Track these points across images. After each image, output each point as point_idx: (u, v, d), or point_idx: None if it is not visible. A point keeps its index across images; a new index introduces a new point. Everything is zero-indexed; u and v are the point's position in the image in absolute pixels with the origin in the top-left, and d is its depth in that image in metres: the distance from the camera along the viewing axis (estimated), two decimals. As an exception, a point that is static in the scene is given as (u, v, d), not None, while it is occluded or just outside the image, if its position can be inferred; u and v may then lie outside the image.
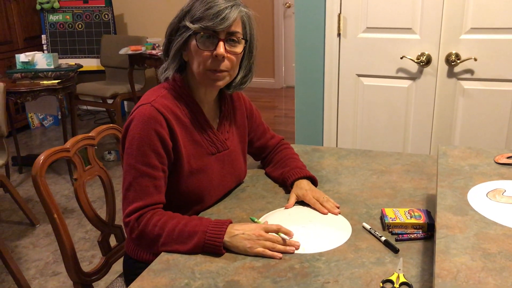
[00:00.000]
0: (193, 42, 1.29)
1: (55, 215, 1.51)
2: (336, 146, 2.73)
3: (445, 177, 1.18)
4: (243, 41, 1.33)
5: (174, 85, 1.37)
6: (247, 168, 1.66)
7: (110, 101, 4.75)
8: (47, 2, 4.79)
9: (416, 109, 2.50)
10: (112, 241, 1.68)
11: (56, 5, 4.84)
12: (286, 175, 1.52)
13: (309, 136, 2.81)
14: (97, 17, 4.92)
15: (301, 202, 1.43)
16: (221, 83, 1.33)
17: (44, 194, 1.48)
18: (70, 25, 4.92)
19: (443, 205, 1.03)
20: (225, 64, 1.30)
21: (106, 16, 4.92)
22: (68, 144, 1.59)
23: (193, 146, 1.36)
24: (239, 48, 1.32)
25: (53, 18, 4.89)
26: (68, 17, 4.90)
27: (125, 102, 5.51)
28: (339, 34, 2.56)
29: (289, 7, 6.26)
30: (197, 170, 1.37)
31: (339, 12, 2.52)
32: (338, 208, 1.39)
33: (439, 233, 0.93)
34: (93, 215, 1.65)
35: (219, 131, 1.45)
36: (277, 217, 1.34)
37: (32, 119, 5.07)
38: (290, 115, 5.43)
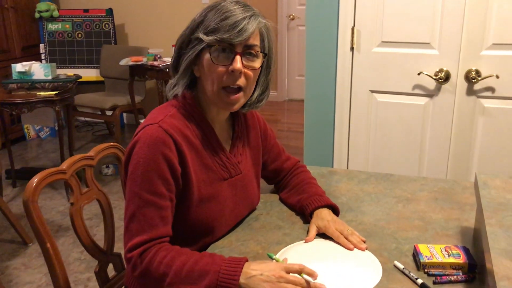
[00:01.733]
0: (207, 56, 1.16)
1: (48, 245, 1.36)
2: (347, 165, 2.59)
3: (491, 213, 1.04)
4: (261, 55, 1.20)
5: (183, 103, 1.23)
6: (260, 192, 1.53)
7: (109, 113, 4.62)
8: (46, 11, 4.66)
9: (433, 128, 2.37)
10: (110, 269, 1.54)
11: (56, 13, 4.71)
12: (304, 202, 1.38)
13: (318, 154, 2.67)
14: (97, 27, 4.79)
15: (322, 235, 1.28)
16: (236, 106, 1.20)
17: (37, 221, 1.33)
18: (70, 35, 4.79)
19: (497, 249, 0.89)
20: (242, 81, 1.17)
21: (106, 25, 4.80)
22: (64, 165, 1.46)
23: (204, 171, 1.22)
24: (257, 63, 1.19)
25: (52, 27, 4.76)
26: (67, 26, 4.78)
27: (125, 114, 5.37)
28: (352, 48, 2.43)
29: (293, 19, 6.15)
30: (208, 198, 1.23)
31: (352, 25, 2.40)
32: (364, 242, 1.24)
33: (500, 286, 0.78)
34: (90, 243, 1.50)
35: (231, 153, 1.31)
36: (297, 253, 1.20)
37: (28, 130, 4.92)
38: (293, 129, 5.30)
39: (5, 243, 2.98)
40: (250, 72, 1.17)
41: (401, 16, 2.29)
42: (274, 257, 1.16)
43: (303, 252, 1.20)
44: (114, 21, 4.83)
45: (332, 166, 2.62)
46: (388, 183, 1.62)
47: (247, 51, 1.16)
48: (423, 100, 2.36)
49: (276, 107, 6.24)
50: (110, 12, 4.79)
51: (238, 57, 1.14)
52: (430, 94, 2.34)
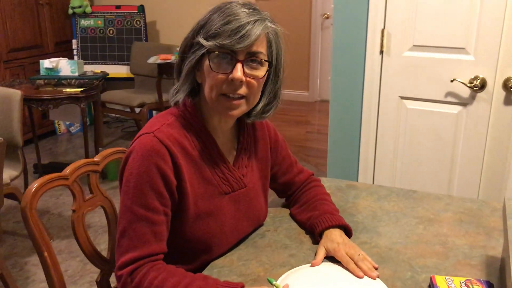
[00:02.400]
0: (207, 62, 1.08)
1: (46, 254, 1.31)
2: (373, 175, 2.46)
3: (519, 249, 0.92)
4: (266, 63, 1.10)
5: (184, 111, 1.15)
6: (270, 206, 1.44)
7: (138, 110, 4.61)
8: (79, 7, 4.70)
9: (465, 139, 2.21)
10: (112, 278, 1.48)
11: (88, 10, 4.74)
12: (314, 221, 1.28)
13: (343, 164, 2.56)
14: (128, 23, 4.80)
15: (331, 258, 1.18)
16: (236, 112, 1.11)
17: (34, 229, 1.28)
18: (101, 31, 4.81)
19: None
20: (243, 90, 1.08)
21: (138, 22, 4.79)
22: (67, 170, 1.40)
23: (202, 185, 1.14)
24: (261, 71, 1.09)
25: (84, 23, 4.79)
26: (99, 22, 4.80)
27: (154, 112, 5.36)
28: (381, 52, 2.30)
29: (327, 18, 6.01)
30: (206, 213, 1.15)
31: (382, 27, 2.27)
32: (376, 269, 1.13)
33: None
34: (92, 251, 1.45)
35: (235, 166, 1.22)
36: (300, 278, 1.10)
37: (58, 124, 4.98)
38: (324, 132, 5.16)
39: (26, 239, 2.99)
40: (253, 81, 1.08)
41: (435, 19, 2.15)
42: (274, 283, 1.07)
43: (307, 278, 1.10)
44: (145, 18, 4.81)
45: (357, 176, 2.50)
46: (410, 201, 1.50)
47: (250, 59, 1.07)
48: (456, 109, 2.21)
49: (306, 108, 6.11)
50: (141, 9, 4.78)
51: (239, 66, 1.05)
52: (464, 103, 2.19)
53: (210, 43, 1.06)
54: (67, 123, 4.98)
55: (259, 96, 1.14)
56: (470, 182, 2.23)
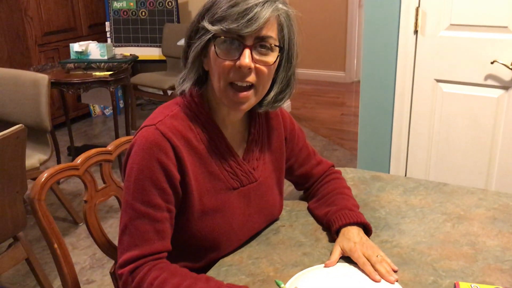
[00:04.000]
0: (213, 48, 1.00)
1: (56, 245, 1.29)
2: (406, 164, 2.34)
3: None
4: (277, 49, 1.01)
5: (189, 101, 1.09)
6: (288, 198, 1.36)
7: (170, 92, 4.59)
8: (112, -11, 4.68)
9: (507, 125, 2.06)
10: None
11: (120, -9, 4.72)
12: (331, 217, 1.19)
13: (374, 152, 2.44)
14: (160, 5, 4.75)
15: (347, 258, 1.10)
16: (245, 106, 1.03)
17: (43, 220, 1.26)
18: (134, 13, 4.79)
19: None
20: (252, 77, 1.00)
21: (169, 3, 4.74)
22: (78, 160, 1.37)
23: (208, 180, 1.08)
24: (271, 57, 1.01)
25: (117, 5, 4.78)
26: (132, 4, 4.77)
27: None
28: (416, 31, 2.17)
29: (365, -5, 5.79)
30: (212, 210, 1.08)
31: (417, 5, 2.13)
32: (396, 272, 1.05)
33: None
34: (105, 242, 1.41)
35: (245, 159, 1.15)
36: (311, 280, 1.02)
37: (93, 107, 5.03)
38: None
39: (58, 221, 3.04)
40: (263, 68, 1.00)
41: (475, -5, 1.99)
42: (282, 286, 1.00)
43: (318, 280, 1.03)
44: (177, -1, 4.76)
45: (389, 164, 2.39)
46: (439, 195, 1.39)
47: (260, 44, 0.99)
48: (496, 93, 2.06)
49: (342, 89, 5.95)
50: (173, -11, 4.72)
51: (247, 51, 0.97)
52: (506, 86, 2.03)
53: (215, 27, 0.98)
54: (101, 106, 5.03)
55: (269, 85, 1.06)
56: (511, 173, 2.08)
